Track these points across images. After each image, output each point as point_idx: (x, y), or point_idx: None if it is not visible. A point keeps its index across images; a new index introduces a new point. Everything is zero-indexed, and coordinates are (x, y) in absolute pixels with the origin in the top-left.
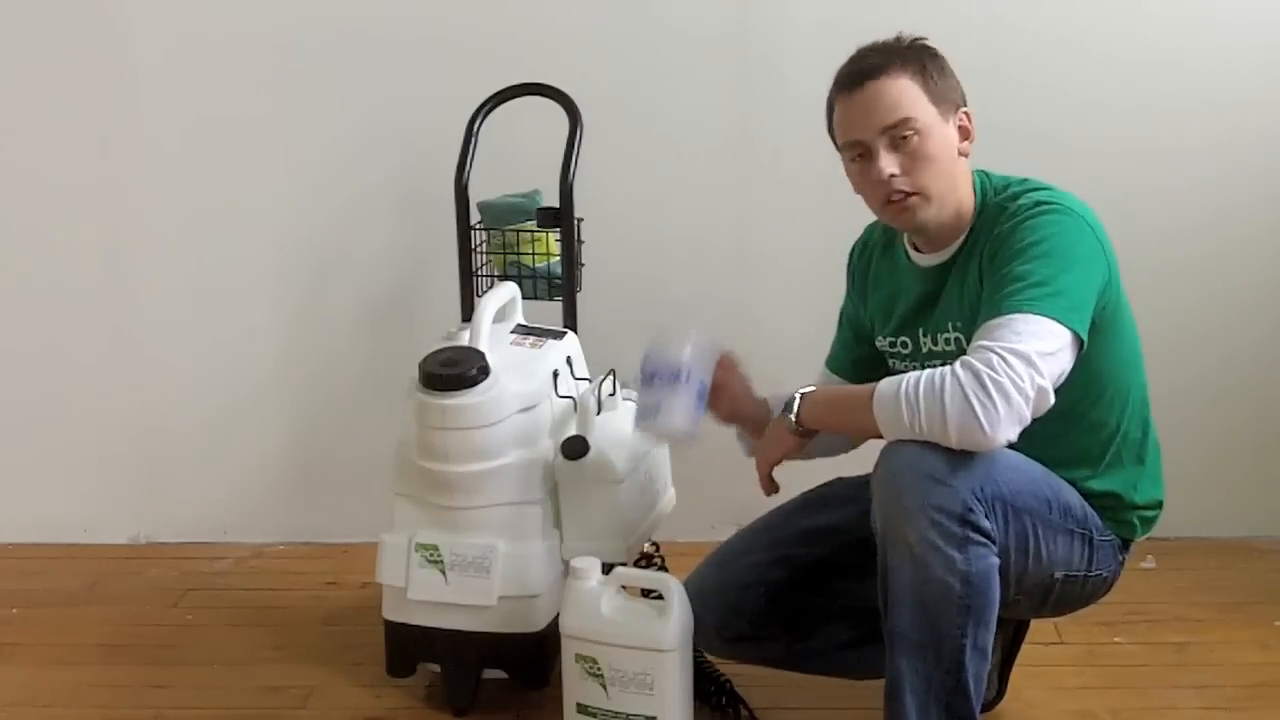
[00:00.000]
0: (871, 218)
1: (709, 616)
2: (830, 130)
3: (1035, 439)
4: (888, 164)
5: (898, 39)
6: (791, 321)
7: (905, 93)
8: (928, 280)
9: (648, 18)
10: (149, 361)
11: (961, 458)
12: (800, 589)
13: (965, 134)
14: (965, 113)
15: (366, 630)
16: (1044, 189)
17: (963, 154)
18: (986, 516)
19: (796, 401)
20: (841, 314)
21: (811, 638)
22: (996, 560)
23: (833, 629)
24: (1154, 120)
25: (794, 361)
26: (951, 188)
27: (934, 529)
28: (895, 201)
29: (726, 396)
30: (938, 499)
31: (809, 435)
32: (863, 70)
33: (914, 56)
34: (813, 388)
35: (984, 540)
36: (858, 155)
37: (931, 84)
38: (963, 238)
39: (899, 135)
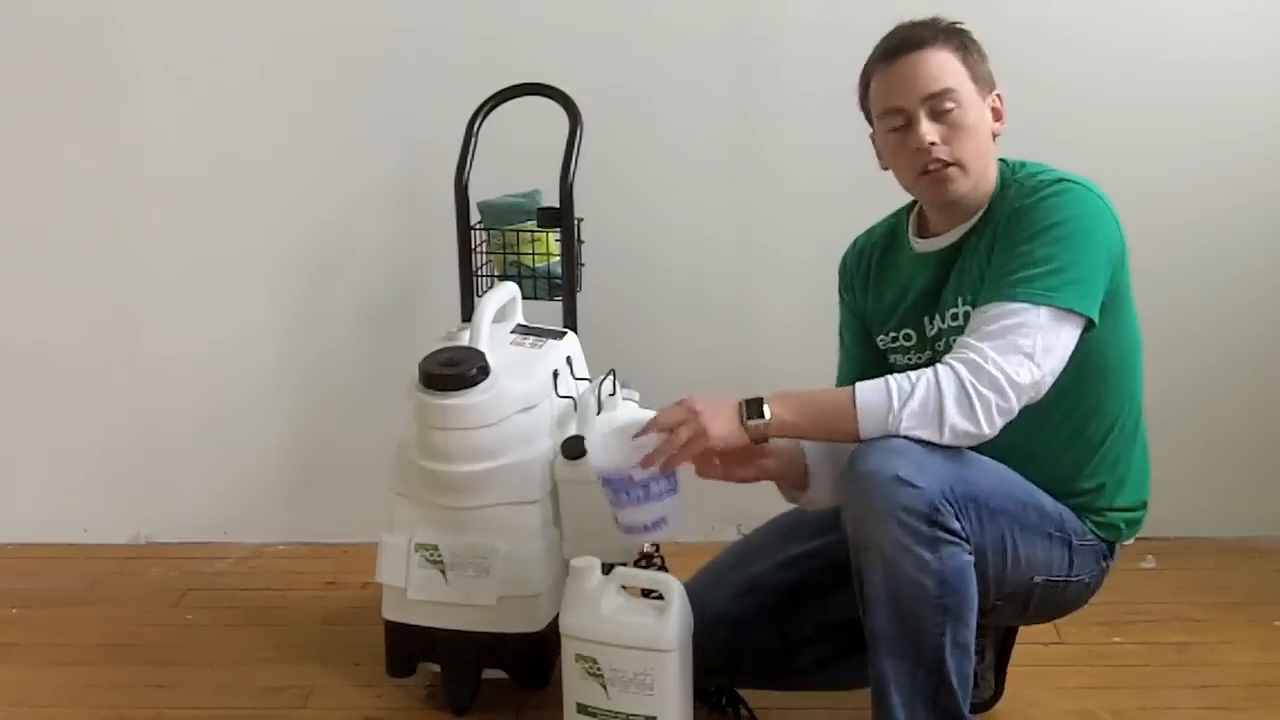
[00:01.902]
0: (864, 225)
1: None
2: (864, 106)
3: (1031, 426)
4: (929, 131)
5: (935, 19)
6: (792, 320)
7: (947, 65)
8: (936, 265)
9: (648, 17)
10: (149, 361)
11: (931, 460)
12: (772, 616)
13: (998, 115)
14: (998, 95)
15: (366, 630)
16: (1062, 172)
17: (995, 134)
18: (957, 517)
19: (765, 397)
20: (841, 330)
21: (792, 658)
22: (970, 558)
23: (811, 649)
24: (1154, 116)
25: (795, 359)
26: (987, 164)
27: (902, 530)
28: (932, 171)
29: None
30: (906, 500)
31: (763, 438)
32: (905, 41)
33: (954, 34)
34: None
35: (955, 539)
36: (896, 125)
37: (971, 62)
38: (977, 217)
39: (940, 106)
